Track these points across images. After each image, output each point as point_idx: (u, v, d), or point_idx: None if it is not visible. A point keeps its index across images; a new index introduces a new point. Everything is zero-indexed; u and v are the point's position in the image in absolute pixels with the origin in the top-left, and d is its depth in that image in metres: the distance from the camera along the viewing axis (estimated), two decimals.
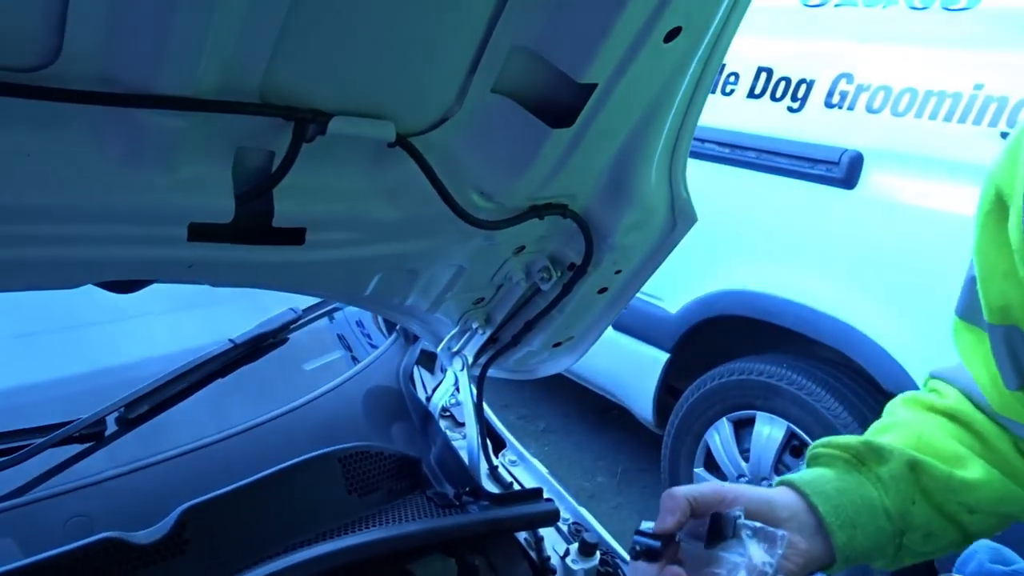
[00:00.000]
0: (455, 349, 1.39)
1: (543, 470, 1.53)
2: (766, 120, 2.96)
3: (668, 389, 3.48)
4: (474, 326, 1.33)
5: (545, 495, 1.46)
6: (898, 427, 0.98)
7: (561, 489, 1.49)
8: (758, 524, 0.83)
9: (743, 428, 3.16)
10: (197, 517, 1.02)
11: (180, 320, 1.61)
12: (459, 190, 1.02)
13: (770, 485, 3.16)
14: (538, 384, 4.73)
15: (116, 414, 1.17)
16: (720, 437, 3.22)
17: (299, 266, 1.00)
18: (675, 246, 1.23)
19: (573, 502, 1.48)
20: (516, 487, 1.47)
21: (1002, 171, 0.83)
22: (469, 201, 1.04)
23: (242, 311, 1.48)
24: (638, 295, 3.70)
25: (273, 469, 1.13)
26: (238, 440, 1.22)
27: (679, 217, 1.19)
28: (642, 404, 3.58)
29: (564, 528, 1.43)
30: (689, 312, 3.28)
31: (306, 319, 1.44)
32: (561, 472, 4.18)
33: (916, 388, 2.54)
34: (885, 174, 2.69)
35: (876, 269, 2.69)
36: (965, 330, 0.96)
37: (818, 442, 0.99)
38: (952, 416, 0.97)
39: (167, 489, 1.10)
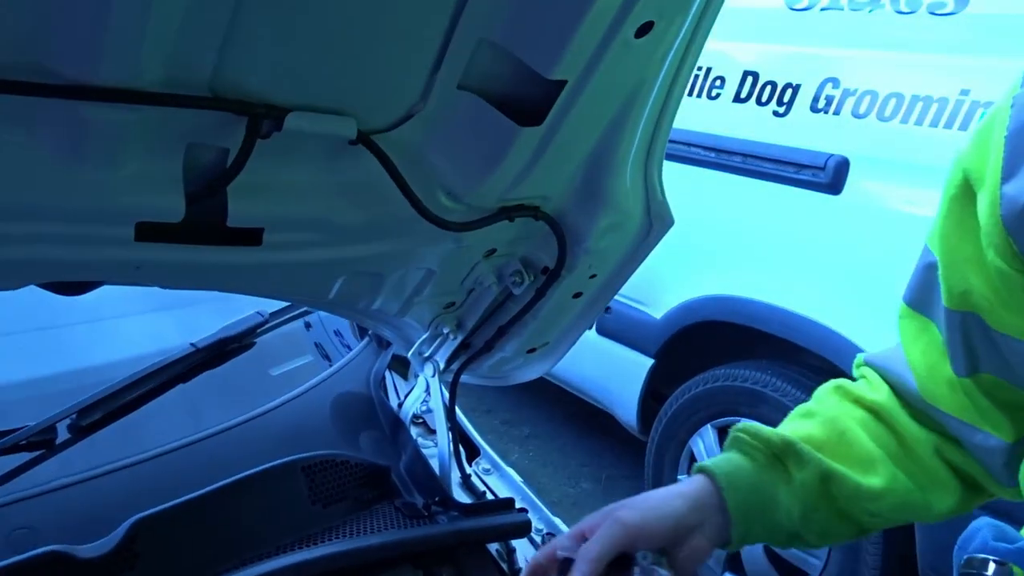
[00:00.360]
0: (426, 354, 1.36)
1: (517, 479, 1.49)
2: (752, 124, 2.94)
3: (653, 395, 3.45)
4: (445, 331, 1.30)
5: (519, 505, 1.42)
6: (823, 420, 0.98)
7: (536, 499, 1.45)
8: (650, 565, 0.86)
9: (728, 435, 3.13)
10: (149, 530, 0.97)
11: (155, 321, 1.57)
12: (425, 190, 0.98)
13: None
14: (523, 388, 4.67)
15: (68, 421, 1.13)
16: (704, 444, 3.19)
17: (256, 268, 0.96)
18: (652, 249, 1.20)
19: (547, 512, 1.44)
20: (489, 496, 1.43)
21: (970, 156, 0.81)
22: (436, 202, 1.00)
23: (219, 312, 1.44)
24: (623, 300, 3.69)
25: (232, 479, 1.09)
26: (197, 448, 1.17)
27: (655, 220, 1.15)
28: (626, 410, 3.55)
29: (538, 539, 1.39)
30: (674, 317, 3.25)
31: (273, 323, 1.39)
32: (545, 478, 4.16)
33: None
34: (871, 180, 2.67)
35: (862, 275, 2.67)
36: (910, 316, 0.96)
37: (741, 426, 0.99)
38: (877, 413, 0.97)
39: (119, 500, 1.06)
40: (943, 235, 0.86)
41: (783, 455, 0.94)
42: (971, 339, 0.86)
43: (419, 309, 1.23)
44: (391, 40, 0.82)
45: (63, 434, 1.12)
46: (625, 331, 3.46)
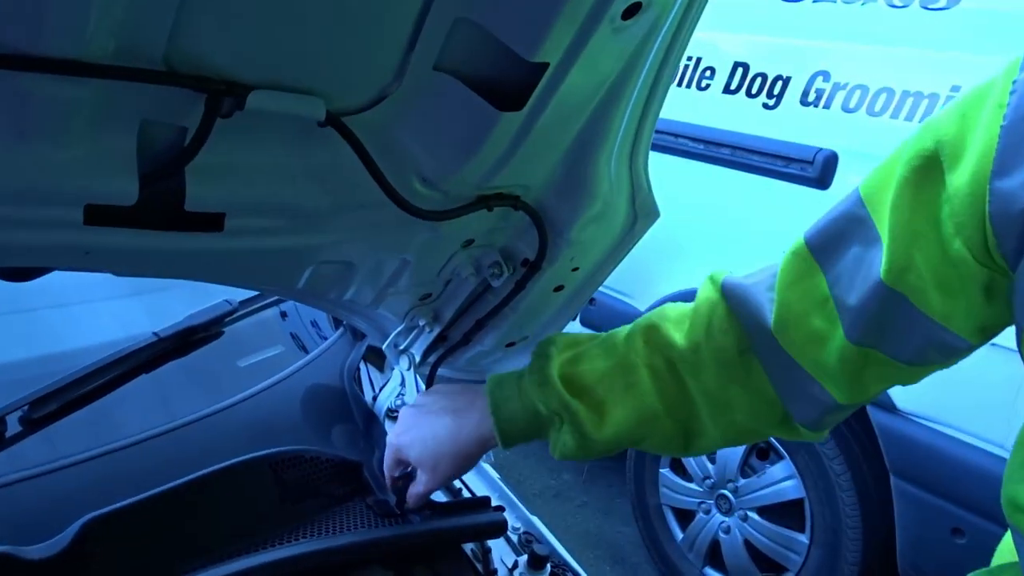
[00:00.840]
0: (402, 347, 1.31)
1: (495, 475, 1.45)
2: (741, 117, 2.90)
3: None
4: (421, 323, 1.25)
5: (496, 502, 1.38)
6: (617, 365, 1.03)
7: (513, 496, 1.41)
8: None
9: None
10: (102, 529, 0.92)
11: (124, 308, 1.51)
12: (398, 176, 0.93)
13: (736, 487, 3.06)
14: None
15: (20, 413, 1.07)
16: None
17: (218, 255, 0.91)
18: (636, 242, 1.15)
19: (525, 510, 1.40)
20: (465, 494, 1.39)
21: (948, 129, 0.77)
22: (410, 189, 0.95)
23: (191, 299, 1.38)
24: (607, 291, 3.65)
25: (194, 475, 1.04)
26: (159, 442, 1.12)
27: (640, 212, 1.11)
28: None
29: (515, 538, 1.35)
30: None
31: (242, 312, 1.34)
32: (527, 469, 4.13)
33: (885, 393, 2.51)
34: (859, 175, 2.63)
35: None
36: (802, 257, 0.93)
37: (548, 340, 1.08)
38: (671, 367, 1.01)
39: (73, 497, 1.00)
40: (895, 204, 0.81)
41: (558, 415, 1.02)
42: (887, 316, 0.83)
43: (394, 300, 1.18)
44: (363, 15, 0.77)
45: (14, 427, 1.06)
46: (609, 323, 3.39)
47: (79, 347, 1.35)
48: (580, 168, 1.01)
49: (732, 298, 0.98)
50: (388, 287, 1.13)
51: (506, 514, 1.37)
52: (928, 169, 0.78)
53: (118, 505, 0.96)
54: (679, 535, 3.27)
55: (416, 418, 1.10)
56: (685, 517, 3.24)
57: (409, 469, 1.15)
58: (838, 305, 0.88)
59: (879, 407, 2.55)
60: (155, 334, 1.20)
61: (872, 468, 2.67)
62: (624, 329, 1.08)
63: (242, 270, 0.95)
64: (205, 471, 1.04)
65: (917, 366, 0.89)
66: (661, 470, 3.28)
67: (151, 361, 1.19)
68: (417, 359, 1.31)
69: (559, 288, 1.21)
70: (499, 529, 1.21)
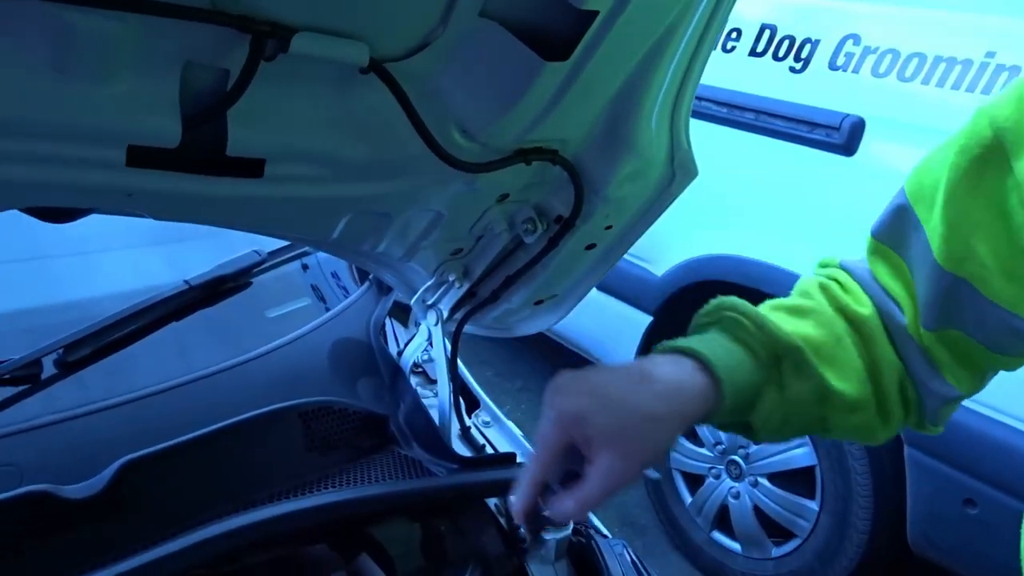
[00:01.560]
0: (430, 302, 1.30)
1: (518, 432, 1.46)
2: (767, 80, 2.85)
3: (650, 353, 3.41)
4: (451, 278, 1.24)
5: (519, 459, 1.39)
6: (819, 321, 0.87)
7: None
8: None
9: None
10: (137, 472, 0.93)
11: (145, 256, 1.51)
12: (439, 126, 0.92)
13: (747, 453, 3.03)
14: (517, 341, 4.62)
15: (55, 355, 1.07)
16: None
17: (256, 202, 0.90)
18: (672, 201, 1.14)
19: None
20: (489, 450, 1.39)
21: (1009, 115, 0.74)
22: (449, 140, 0.94)
23: (211, 249, 1.37)
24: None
25: (226, 422, 1.04)
26: (189, 389, 1.13)
27: (679, 170, 1.09)
28: None
29: None
30: (675, 275, 3.20)
31: (271, 263, 1.33)
32: (536, 431, 4.15)
33: None
34: (887, 142, 2.60)
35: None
36: (884, 254, 0.91)
37: (731, 304, 0.86)
38: (859, 329, 0.88)
39: (107, 440, 1.01)
40: (951, 194, 0.79)
41: (783, 358, 0.82)
42: (952, 300, 0.82)
43: (425, 254, 1.17)
44: None
45: (49, 369, 1.07)
46: (624, 287, 3.40)
47: (99, 295, 1.34)
48: (621, 123, 1.00)
49: (868, 291, 0.93)
50: (421, 240, 1.12)
51: None
52: (988, 157, 0.75)
53: (153, 449, 0.97)
54: (688, 499, 3.28)
55: (594, 380, 0.78)
56: (694, 481, 3.25)
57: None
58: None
59: None
60: (186, 282, 1.19)
61: None
62: (804, 291, 0.96)
63: (280, 218, 0.94)
64: (236, 419, 1.05)
65: (1006, 355, 0.86)
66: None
67: (181, 309, 1.19)
68: (445, 315, 1.30)
69: (591, 246, 1.19)
70: None
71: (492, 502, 1.29)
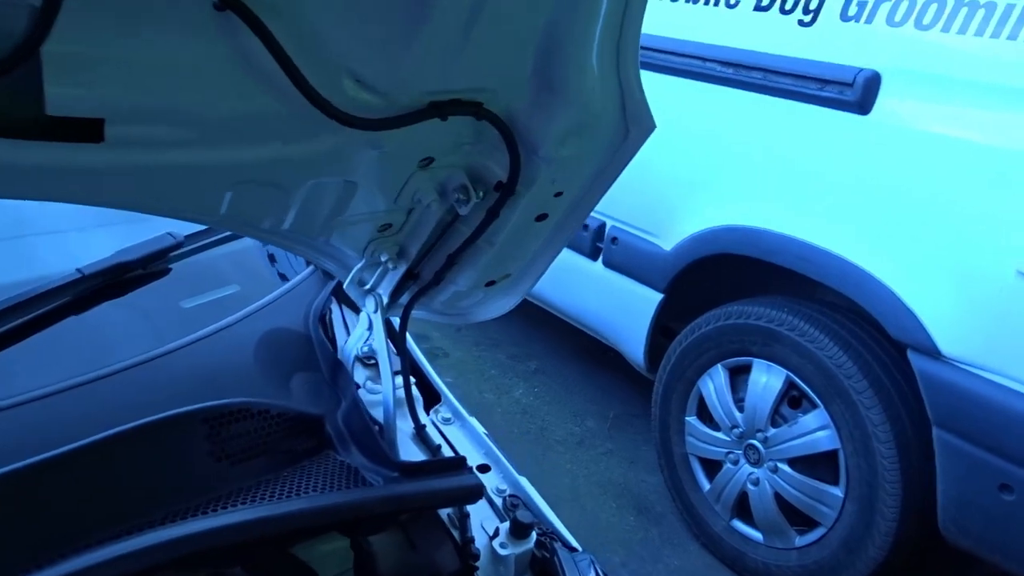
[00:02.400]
0: (367, 287, 1.15)
1: (481, 430, 1.30)
2: (774, 36, 2.64)
3: (663, 331, 3.24)
4: (383, 259, 1.08)
5: (481, 460, 1.23)
6: None
7: (500, 454, 1.26)
8: None
9: (739, 375, 2.94)
10: None
11: (93, 240, 1.33)
12: (322, 74, 0.75)
13: (766, 438, 2.87)
14: (532, 321, 4.51)
15: None
16: (714, 384, 3.00)
17: (104, 173, 0.74)
18: (629, 160, 0.97)
19: (513, 471, 1.25)
20: (445, 451, 1.24)
21: None
22: (339, 91, 0.78)
23: (172, 224, 1.20)
24: (630, 230, 3.45)
25: (110, 431, 0.90)
26: (75, 395, 0.98)
27: (632, 123, 0.92)
28: (633, 347, 3.35)
29: (499, 501, 1.20)
30: (684, 249, 3.02)
31: (189, 248, 1.18)
32: (550, 415, 4.00)
33: (928, 337, 2.30)
34: (905, 98, 2.38)
35: (889, 205, 2.41)
36: None
37: None
38: None
39: None
40: None
41: None
42: None
43: (347, 232, 1.01)
44: None
45: None
46: (633, 263, 3.23)
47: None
48: (554, 66, 0.83)
49: None
50: (335, 215, 0.96)
51: (492, 475, 1.23)
52: None
53: (20, 464, 0.82)
54: (706, 486, 3.12)
55: None
56: (712, 467, 3.08)
57: None
58: None
59: (921, 352, 2.35)
60: (79, 271, 1.05)
61: (913, 418, 2.47)
62: None
63: (138, 192, 0.79)
64: (124, 427, 0.91)
65: None
66: (687, 418, 3.12)
67: (78, 302, 1.05)
68: (385, 300, 1.15)
69: (542, 217, 1.03)
70: (472, 495, 1.06)
71: (445, 513, 1.14)
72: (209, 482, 0.96)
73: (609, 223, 3.29)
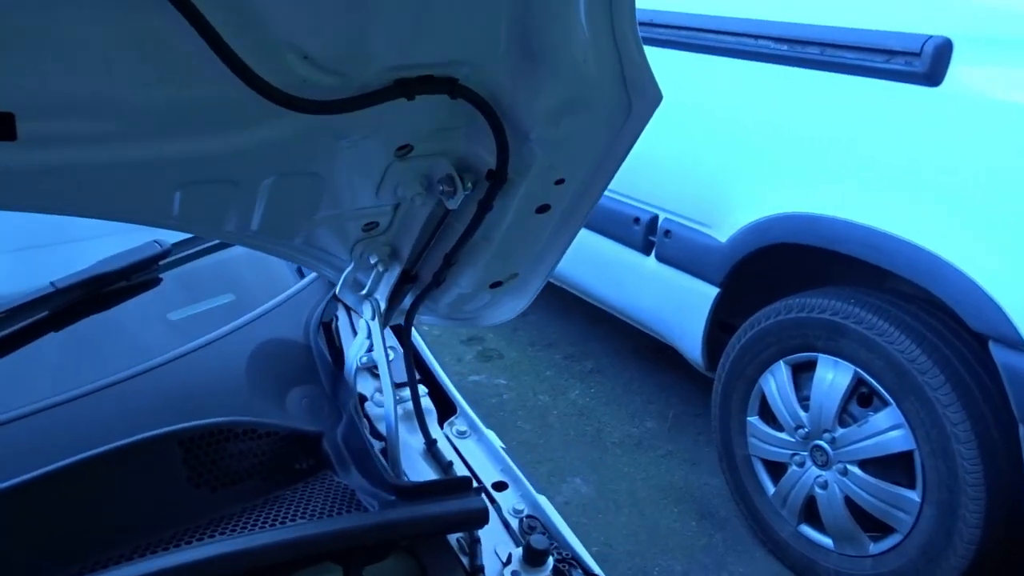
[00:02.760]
0: (364, 291, 1.05)
1: (498, 444, 1.19)
2: (831, 7, 2.45)
3: (721, 326, 3.08)
4: (372, 260, 0.98)
5: (498, 478, 1.13)
6: None
7: (518, 472, 1.15)
8: None
9: (803, 372, 2.76)
10: None
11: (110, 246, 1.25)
12: (262, 51, 0.66)
13: (834, 438, 2.69)
14: (588, 319, 4.38)
15: None
16: (776, 382, 2.82)
17: (20, 175, 0.66)
18: (636, 138, 0.84)
19: (531, 489, 1.14)
20: (458, 468, 1.14)
21: None
22: (283, 69, 0.68)
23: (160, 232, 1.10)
24: (682, 221, 3.30)
25: (76, 457, 0.82)
26: (45, 417, 0.91)
27: (635, 94, 0.79)
28: (690, 344, 3.20)
29: (515, 523, 1.09)
30: (741, 240, 2.85)
31: (175, 256, 1.11)
32: (607, 416, 3.87)
33: (1012, 327, 2.10)
34: (979, 66, 2.18)
35: (965, 185, 2.20)
36: None
37: None
38: None
39: None
40: None
41: None
42: None
43: (327, 232, 0.92)
44: None
45: None
46: (686, 257, 3.08)
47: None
48: (535, 30, 0.71)
49: None
50: (308, 214, 0.86)
51: (508, 493, 1.12)
52: None
53: None
54: (770, 489, 2.94)
55: None
56: (777, 470, 2.91)
57: None
58: None
59: (1004, 343, 2.14)
60: (52, 284, 0.98)
61: (997, 416, 2.26)
62: None
63: (66, 195, 0.71)
64: (90, 452, 0.83)
65: None
66: (748, 418, 2.95)
67: (56, 317, 0.98)
68: (382, 305, 1.05)
69: (543, 208, 0.91)
70: (476, 520, 0.95)
71: (455, 537, 1.03)
72: (187, 510, 0.88)
73: (662, 216, 3.15)
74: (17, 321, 0.94)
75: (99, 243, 1.21)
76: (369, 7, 0.64)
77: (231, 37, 0.63)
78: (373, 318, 1.05)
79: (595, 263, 3.52)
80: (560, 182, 0.88)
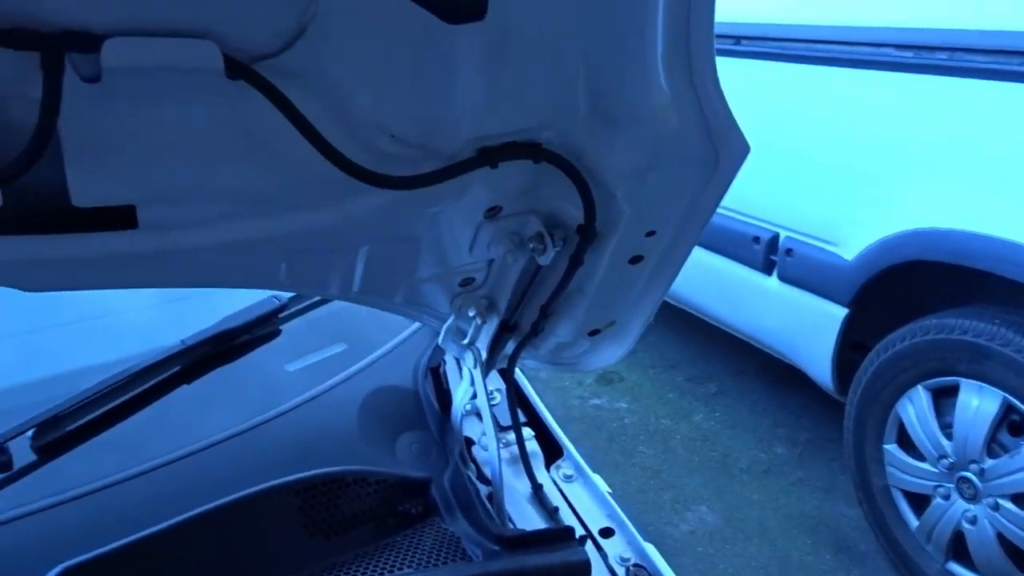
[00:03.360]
0: (467, 340, 1.08)
1: (604, 488, 1.19)
2: (959, 10, 2.31)
3: (853, 345, 2.93)
4: (471, 313, 1.01)
5: (604, 524, 1.12)
6: None
7: (624, 518, 1.14)
8: None
9: (944, 398, 2.58)
10: None
11: (169, 313, 1.30)
12: (350, 134, 0.69)
13: (982, 470, 2.51)
14: (711, 339, 4.27)
15: (28, 437, 0.97)
16: (915, 409, 2.65)
17: (145, 258, 0.72)
18: (725, 189, 0.83)
19: (638, 536, 1.12)
20: (565, 514, 1.14)
21: None
22: (372, 148, 0.71)
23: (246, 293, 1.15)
24: (805, 239, 3.18)
25: (198, 511, 0.89)
26: (171, 470, 0.98)
27: (721, 145, 0.78)
28: (818, 367, 3.06)
29: (621, 572, 1.08)
30: (870, 258, 2.72)
31: (295, 309, 1.17)
32: (733, 440, 3.75)
33: None
34: None
35: None
36: None
37: None
38: None
39: (57, 539, 0.89)
40: None
41: None
42: None
43: (425, 290, 0.95)
44: None
45: (24, 455, 0.97)
46: (811, 277, 2.96)
47: (85, 366, 1.13)
48: (612, 92, 0.71)
49: None
50: (407, 274, 0.90)
51: (615, 540, 1.11)
52: None
53: (104, 550, 0.83)
54: (913, 522, 2.76)
55: None
56: (919, 502, 2.73)
57: None
58: None
59: None
60: (183, 343, 1.06)
61: None
62: None
63: (182, 271, 0.77)
64: (211, 505, 0.89)
65: None
66: (886, 446, 2.78)
67: (186, 372, 1.06)
68: (483, 355, 1.07)
69: (636, 259, 0.91)
70: (578, 572, 0.95)
71: None
72: (303, 558, 0.92)
73: (782, 234, 3.04)
74: (152, 377, 1.03)
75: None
76: (452, 92, 0.66)
77: (322, 123, 0.67)
78: (475, 366, 1.07)
79: (713, 283, 3.44)
80: (651, 234, 0.87)
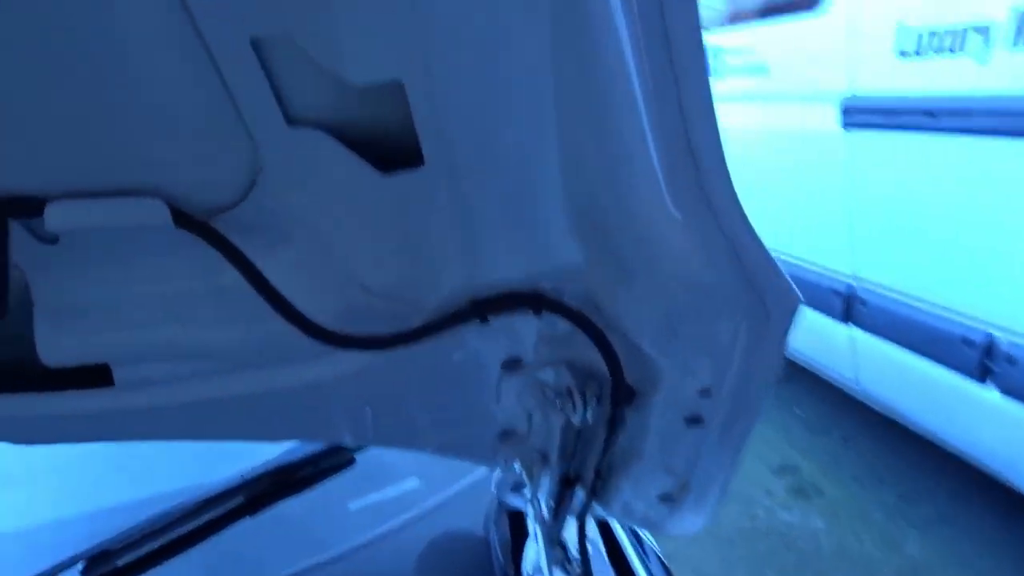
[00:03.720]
0: (529, 494, 0.96)
1: None
2: None
3: None
4: (516, 468, 0.89)
5: None
6: None
7: None
8: None
9: None
10: None
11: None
12: (321, 289, 0.62)
13: None
14: (928, 450, 3.74)
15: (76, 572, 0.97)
16: None
17: (124, 415, 0.69)
18: (784, 343, 0.65)
19: None
20: None
21: None
22: (346, 303, 0.64)
23: None
24: (1011, 336, 2.69)
25: None
26: None
27: (768, 296, 0.62)
28: None
29: None
30: None
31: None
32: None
33: None
34: None
35: None
36: None
37: None
38: None
39: None
40: None
41: None
42: None
43: (457, 441, 0.84)
44: (140, 75, 0.51)
45: None
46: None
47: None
48: (604, 227, 0.59)
49: None
50: (426, 426, 0.80)
51: None
52: None
53: None
54: None
55: None
56: None
57: None
58: None
59: None
60: (242, 476, 1.03)
61: None
62: None
63: (176, 426, 0.72)
64: None
65: None
66: None
67: (251, 503, 1.02)
68: (543, 507, 0.94)
69: (695, 420, 0.75)
70: None
71: None
72: None
73: (1001, 336, 2.58)
74: (215, 508, 1.00)
75: None
76: (414, 238, 0.58)
77: (289, 277, 0.61)
78: (536, 520, 0.95)
79: (918, 389, 3.00)
80: (705, 391, 0.72)
